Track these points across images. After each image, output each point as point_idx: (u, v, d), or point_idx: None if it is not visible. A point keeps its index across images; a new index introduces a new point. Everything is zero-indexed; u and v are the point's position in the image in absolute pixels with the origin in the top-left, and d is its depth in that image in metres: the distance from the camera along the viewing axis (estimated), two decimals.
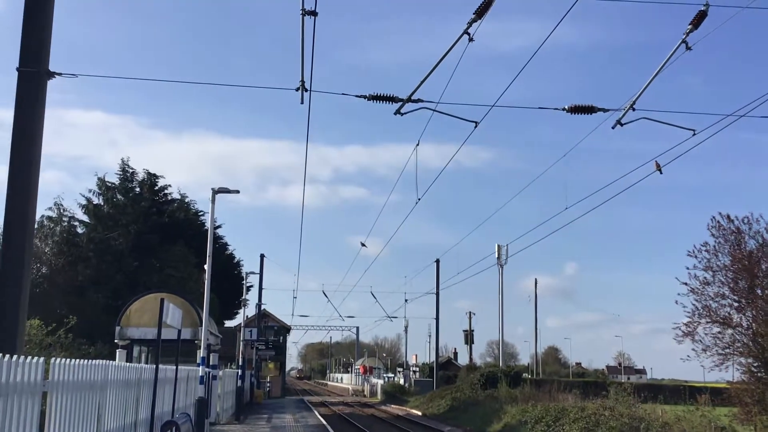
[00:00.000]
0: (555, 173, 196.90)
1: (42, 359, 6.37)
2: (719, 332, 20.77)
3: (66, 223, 40.57)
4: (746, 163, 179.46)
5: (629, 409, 23.94)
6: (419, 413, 44.14)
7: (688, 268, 21.52)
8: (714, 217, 21.30)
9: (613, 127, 13.16)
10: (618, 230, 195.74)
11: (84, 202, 41.71)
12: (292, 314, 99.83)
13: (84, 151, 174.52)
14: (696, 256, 21.29)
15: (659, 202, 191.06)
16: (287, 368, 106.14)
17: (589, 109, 12.94)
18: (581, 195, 66.40)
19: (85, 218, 41.63)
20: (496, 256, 49.92)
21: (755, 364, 20.08)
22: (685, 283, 21.43)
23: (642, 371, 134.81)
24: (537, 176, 71.92)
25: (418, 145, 19.56)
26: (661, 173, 15.96)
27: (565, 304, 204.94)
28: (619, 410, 24.11)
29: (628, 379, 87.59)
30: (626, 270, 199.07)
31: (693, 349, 21.15)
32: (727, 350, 20.51)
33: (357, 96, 12.98)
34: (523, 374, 52.58)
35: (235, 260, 57.87)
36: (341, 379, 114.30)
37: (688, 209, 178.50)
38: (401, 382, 71.60)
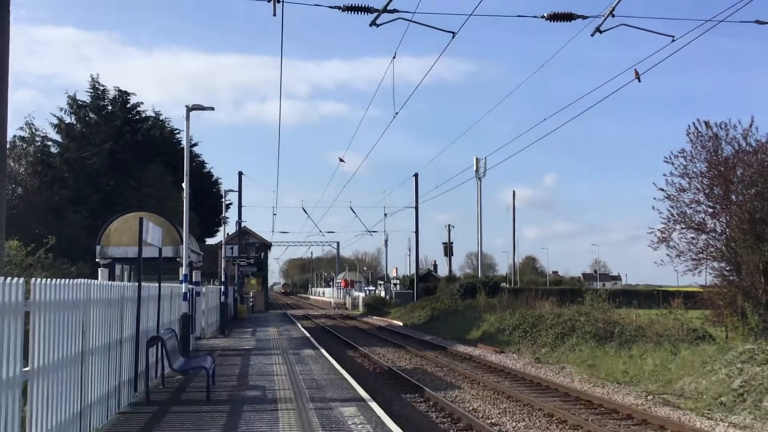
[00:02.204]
0: (534, 84, 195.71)
1: (22, 279, 6.35)
2: (693, 238, 21.20)
3: (39, 143, 39.88)
4: (725, 69, 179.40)
5: (604, 314, 24.63)
6: (400, 324, 45.11)
7: (665, 175, 21.75)
8: (693, 123, 21.38)
9: (592, 35, 12.98)
10: (597, 140, 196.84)
11: (56, 121, 40.91)
12: (273, 231, 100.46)
13: (56, 68, 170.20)
14: (672, 163, 21.50)
15: (638, 110, 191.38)
16: (269, 284, 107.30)
17: (568, 17, 12.71)
18: (560, 106, 66.02)
19: (58, 138, 40.92)
20: (475, 169, 50.05)
21: (727, 268, 20.61)
22: (662, 189, 21.69)
23: (617, 278, 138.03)
24: (515, 87, 71.45)
25: (394, 57, 19.27)
26: (639, 81, 15.90)
27: (543, 214, 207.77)
28: (594, 316, 24.79)
29: (604, 285, 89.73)
30: (604, 179, 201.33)
31: (668, 254, 21.62)
32: (701, 255, 20.99)
33: (331, 7, 12.62)
34: (502, 284, 53.58)
35: (214, 178, 57.59)
36: (323, 293, 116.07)
37: (666, 117, 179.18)
38: (382, 294, 72.84)
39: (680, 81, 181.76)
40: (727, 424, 12.65)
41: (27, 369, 6.56)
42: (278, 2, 12.47)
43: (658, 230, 21.87)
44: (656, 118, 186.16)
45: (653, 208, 22.26)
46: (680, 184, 21.40)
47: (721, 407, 14.05)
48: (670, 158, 21.57)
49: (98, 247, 23.61)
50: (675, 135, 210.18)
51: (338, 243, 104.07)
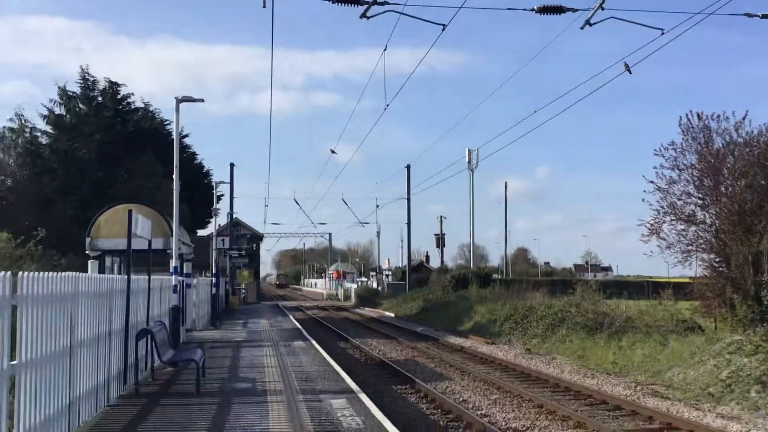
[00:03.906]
0: (526, 76, 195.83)
1: (9, 273, 6.32)
2: (683, 229, 21.27)
3: (29, 134, 39.66)
4: (715, 62, 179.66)
5: (594, 306, 24.72)
6: (392, 315, 45.18)
7: (655, 168, 21.81)
8: (685, 115, 21.39)
9: (582, 28, 13.00)
10: (588, 132, 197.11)
11: (46, 112, 40.70)
12: (265, 222, 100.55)
13: (47, 59, 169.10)
14: (663, 155, 21.53)
15: (629, 103, 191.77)
16: (262, 275, 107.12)
17: (558, 9, 12.70)
18: (552, 98, 66.24)
19: (48, 129, 40.72)
20: (467, 160, 50.07)
21: (717, 260, 20.69)
22: (652, 182, 21.74)
23: (608, 269, 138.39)
24: (507, 78, 71.40)
25: (385, 50, 19.32)
26: (630, 73, 15.92)
27: (535, 206, 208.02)
28: (584, 307, 24.87)
29: (595, 276, 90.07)
30: (595, 171, 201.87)
31: (658, 246, 21.68)
32: (690, 247, 21.06)
33: None
34: (493, 275, 53.71)
35: (205, 170, 57.36)
36: (315, 284, 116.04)
37: (657, 110, 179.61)
38: (374, 285, 72.89)
39: (670, 73, 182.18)
40: (715, 415, 12.74)
41: (14, 363, 6.55)
42: None
43: (648, 223, 21.96)
44: (647, 111, 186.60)
45: (643, 200, 22.37)
46: (670, 176, 21.46)
47: (709, 398, 14.14)
48: (661, 150, 21.63)
49: (88, 239, 23.50)
50: (665, 127, 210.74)
51: (330, 234, 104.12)
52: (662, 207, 21.63)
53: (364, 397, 11.27)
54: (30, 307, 6.84)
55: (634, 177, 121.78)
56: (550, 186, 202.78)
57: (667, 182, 21.55)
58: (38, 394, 7.09)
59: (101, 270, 23.40)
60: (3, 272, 6.23)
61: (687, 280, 23.67)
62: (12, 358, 6.44)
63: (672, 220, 21.53)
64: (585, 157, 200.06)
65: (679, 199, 21.45)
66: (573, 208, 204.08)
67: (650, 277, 61.71)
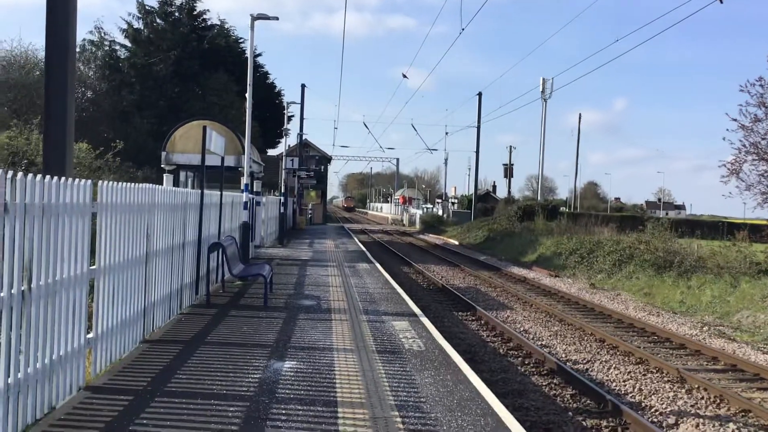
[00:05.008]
0: (608, 3, 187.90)
1: (89, 182, 6.54)
2: (765, 170, 20.44)
3: (108, 48, 40.48)
4: None
5: (664, 244, 24.20)
6: (456, 243, 45.29)
7: (740, 105, 20.85)
8: None
9: None
10: (671, 64, 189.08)
11: (125, 26, 41.36)
12: (333, 144, 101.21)
13: None
14: (749, 92, 20.53)
15: (717, 34, 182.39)
16: (328, 197, 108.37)
17: None
18: (634, 27, 63.42)
19: (126, 43, 41.44)
20: (541, 89, 48.88)
21: None
22: (735, 119, 20.84)
23: (681, 207, 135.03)
24: (589, 5, 68.59)
25: None
26: (721, 2, 15.07)
27: (609, 139, 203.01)
28: (654, 244, 24.39)
29: (667, 214, 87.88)
30: (676, 105, 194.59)
31: (737, 186, 20.95)
32: None
33: None
34: (561, 208, 53.03)
35: (277, 90, 57.65)
36: (381, 208, 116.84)
37: (747, 42, 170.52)
38: (439, 212, 72.97)
39: (763, 4, 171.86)
40: None
41: (94, 267, 6.84)
42: None
43: (729, 163, 21.15)
44: (737, 43, 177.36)
45: (724, 138, 21.55)
46: (755, 114, 20.50)
47: None
48: (746, 87, 20.61)
49: (163, 153, 24.12)
50: (755, 62, 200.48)
51: (398, 159, 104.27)
52: (744, 146, 20.78)
53: (426, 320, 11.42)
54: (109, 215, 7.09)
55: (715, 113, 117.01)
56: (626, 119, 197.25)
57: (751, 120, 20.62)
58: (115, 298, 7.43)
59: (176, 183, 24.06)
60: (84, 180, 6.44)
61: (764, 222, 22.88)
62: (91, 263, 6.73)
63: (754, 160, 20.69)
64: (666, 90, 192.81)
65: (763, 138, 20.54)
66: (649, 143, 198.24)
67: (725, 218, 59.87)
